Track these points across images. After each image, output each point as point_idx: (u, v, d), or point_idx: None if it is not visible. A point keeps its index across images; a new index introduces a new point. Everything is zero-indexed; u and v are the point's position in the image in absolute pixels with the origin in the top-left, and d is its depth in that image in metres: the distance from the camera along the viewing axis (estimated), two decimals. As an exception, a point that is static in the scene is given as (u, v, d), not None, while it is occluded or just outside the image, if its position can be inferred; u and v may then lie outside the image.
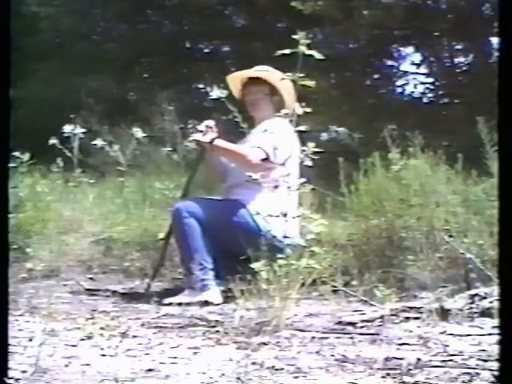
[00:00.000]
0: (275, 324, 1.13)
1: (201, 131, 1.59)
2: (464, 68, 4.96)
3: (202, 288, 1.50)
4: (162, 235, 1.70)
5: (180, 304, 1.42)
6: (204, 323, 1.24)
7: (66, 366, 0.89)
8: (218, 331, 1.13)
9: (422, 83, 5.16)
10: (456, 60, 5.01)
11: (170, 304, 1.46)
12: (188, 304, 1.44)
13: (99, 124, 3.15)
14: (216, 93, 1.60)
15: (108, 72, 4.98)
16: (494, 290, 1.24)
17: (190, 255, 1.53)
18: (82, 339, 1.06)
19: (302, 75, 1.24)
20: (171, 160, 2.92)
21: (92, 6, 5.39)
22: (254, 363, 0.90)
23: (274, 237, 1.39)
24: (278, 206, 1.37)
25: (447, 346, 1.01)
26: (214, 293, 1.51)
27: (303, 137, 1.26)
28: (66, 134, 2.09)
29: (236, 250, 1.40)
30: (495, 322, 1.12)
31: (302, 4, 3.98)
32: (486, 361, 0.90)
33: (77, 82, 4.69)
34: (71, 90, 4.55)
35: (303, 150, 1.26)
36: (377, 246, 1.78)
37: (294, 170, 1.56)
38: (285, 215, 1.32)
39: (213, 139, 1.57)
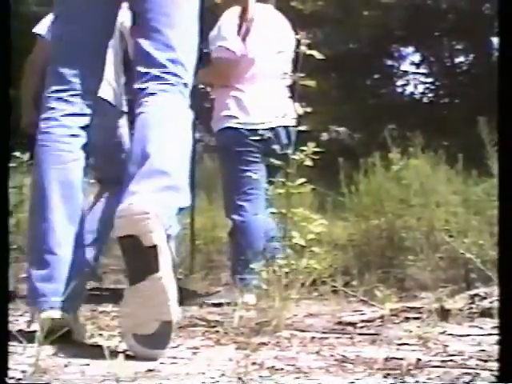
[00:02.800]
0: (275, 324, 1.13)
1: None
2: (464, 68, 4.96)
3: (244, 289, 1.46)
4: None
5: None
6: (204, 323, 1.24)
7: (66, 366, 0.89)
8: (217, 331, 1.13)
9: (423, 83, 5.17)
10: (456, 60, 5.03)
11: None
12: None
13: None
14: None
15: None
16: (495, 290, 1.24)
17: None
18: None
19: (302, 75, 1.24)
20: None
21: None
22: (253, 363, 0.90)
23: None
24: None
25: (447, 346, 1.01)
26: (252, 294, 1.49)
27: (303, 137, 1.27)
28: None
29: None
30: (495, 322, 1.12)
31: (302, 4, 3.98)
32: (486, 361, 0.90)
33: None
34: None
35: (303, 150, 1.27)
36: (377, 246, 1.79)
37: (271, 61, 1.45)
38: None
39: None
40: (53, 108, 0.93)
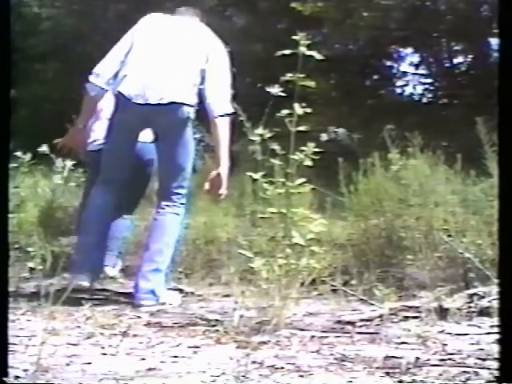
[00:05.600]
0: (275, 323, 1.13)
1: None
2: (463, 69, 4.97)
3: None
4: None
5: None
6: (204, 322, 1.25)
7: (67, 364, 0.89)
8: (218, 330, 1.13)
9: (421, 84, 5.18)
10: (455, 61, 5.03)
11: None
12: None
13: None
14: None
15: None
16: (493, 289, 1.25)
17: None
18: (88, 337, 1.06)
19: (302, 76, 1.25)
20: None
21: (93, 6, 5.40)
22: (253, 362, 0.91)
23: None
24: None
25: (446, 345, 1.02)
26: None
27: (303, 137, 1.27)
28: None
29: None
30: (494, 321, 1.13)
31: (302, 5, 3.99)
32: (484, 360, 0.91)
33: (78, 83, 4.69)
34: (72, 90, 4.56)
35: (303, 150, 1.27)
36: (376, 246, 1.79)
37: None
38: None
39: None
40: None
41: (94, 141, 1.80)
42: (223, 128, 1.57)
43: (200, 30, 1.63)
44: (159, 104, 1.49)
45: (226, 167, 1.59)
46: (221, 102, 1.56)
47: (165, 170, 1.59)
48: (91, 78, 1.57)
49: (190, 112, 1.54)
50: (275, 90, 1.34)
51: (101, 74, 1.56)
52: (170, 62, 1.55)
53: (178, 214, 1.57)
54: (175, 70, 1.54)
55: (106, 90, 1.58)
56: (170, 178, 1.57)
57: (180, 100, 1.51)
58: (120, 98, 1.53)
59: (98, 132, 1.72)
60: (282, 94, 1.33)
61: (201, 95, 1.56)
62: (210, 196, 1.66)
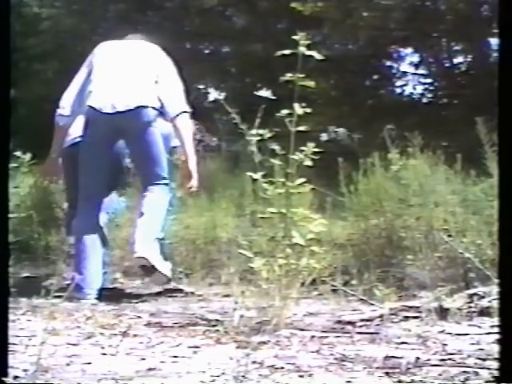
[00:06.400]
0: (275, 323, 1.13)
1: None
2: (463, 69, 4.97)
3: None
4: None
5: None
6: (204, 322, 1.25)
7: (67, 364, 0.89)
8: (218, 330, 1.13)
9: (421, 84, 5.18)
10: (455, 61, 5.03)
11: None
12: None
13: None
14: (213, 95, 1.66)
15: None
16: (493, 289, 1.25)
17: None
18: (88, 337, 1.06)
19: (301, 76, 1.25)
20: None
21: (93, 6, 5.40)
22: (253, 362, 0.91)
23: None
24: None
25: (446, 345, 1.02)
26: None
27: (303, 137, 1.27)
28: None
29: None
30: (494, 321, 1.13)
31: (302, 5, 3.99)
32: (484, 360, 0.91)
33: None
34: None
35: (303, 150, 1.27)
36: (376, 246, 1.79)
37: None
38: None
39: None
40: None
41: (70, 139, 1.85)
42: (183, 125, 1.68)
43: (149, 48, 1.78)
44: (127, 110, 1.63)
45: (194, 161, 1.69)
46: (175, 103, 1.68)
47: (141, 171, 1.72)
48: (58, 110, 1.71)
49: (155, 114, 1.67)
50: (266, 93, 1.34)
51: (65, 105, 1.70)
52: (129, 75, 1.70)
53: (161, 191, 1.68)
54: (135, 81, 1.69)
55: (72, 118, 1.71)
56: (148, 174, 1.69)
57: (145, 104, 1.64)
58: (90, 113, 1.66)
59: (72, 130, 1.81)
60: (273, 97, 1.34)
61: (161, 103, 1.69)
62: (185, 191, 1.77)
